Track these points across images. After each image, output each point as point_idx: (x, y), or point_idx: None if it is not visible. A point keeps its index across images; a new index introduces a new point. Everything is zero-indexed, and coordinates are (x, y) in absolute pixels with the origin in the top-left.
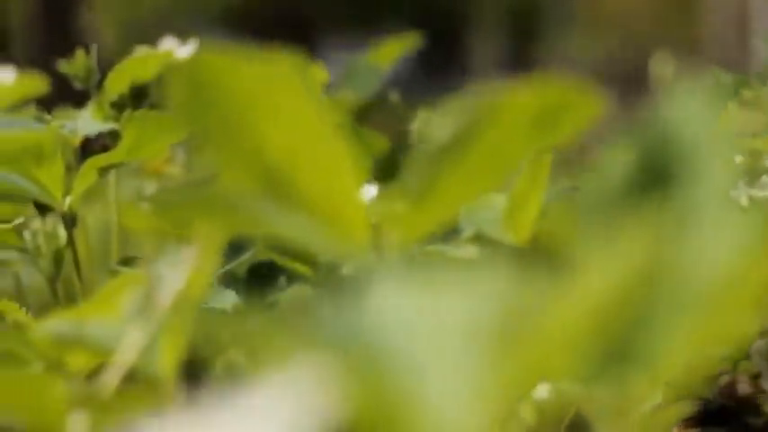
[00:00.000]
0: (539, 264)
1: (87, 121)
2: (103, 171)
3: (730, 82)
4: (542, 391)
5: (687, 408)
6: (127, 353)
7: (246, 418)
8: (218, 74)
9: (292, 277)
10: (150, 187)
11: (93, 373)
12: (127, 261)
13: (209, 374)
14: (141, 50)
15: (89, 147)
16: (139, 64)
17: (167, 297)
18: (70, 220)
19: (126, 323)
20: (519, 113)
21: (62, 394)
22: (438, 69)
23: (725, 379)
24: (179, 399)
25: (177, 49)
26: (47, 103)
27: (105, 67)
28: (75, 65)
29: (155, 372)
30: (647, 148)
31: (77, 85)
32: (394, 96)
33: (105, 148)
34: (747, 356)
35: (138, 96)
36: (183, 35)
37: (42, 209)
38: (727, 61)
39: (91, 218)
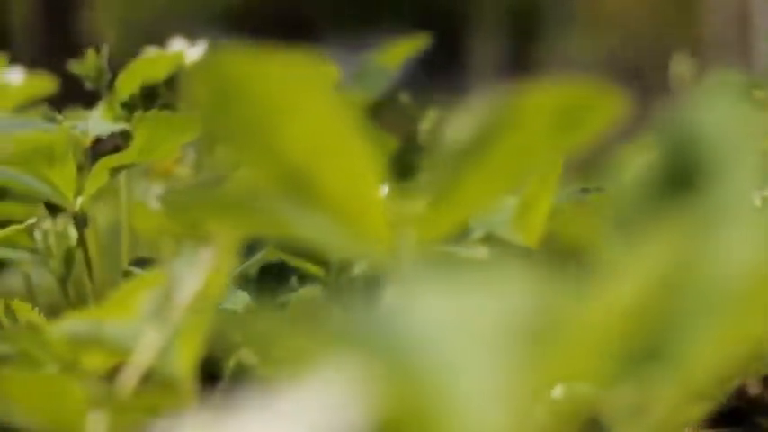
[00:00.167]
0: (559, 264)
1: (98, 122)
2: (115, 172)
3: (742, 82)
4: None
5: (705, 408)
6: (145, 353)
7: (279, 420)
8: (239, 74)
9: (303, 277)
10: (159, 188)
11: (108, 375)
12: (139, 262)
13: (220, 374)
14: (151, 51)
15: (98, 147)
16: (150, 65)
17: (185, 297)
18: (81, 221)
19: (143, 324)
20: (540, 114)
21: (81, 394)
22: (438, 69)
23: (736, 380)
24: (197, 399)
25: (187, 50)
26: (48, 103)
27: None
28: (86, 65)
29: (172, 372)
30: (673, 149)
31: (83, 85)
32: (404, 97)
33: (117, 149)
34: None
35: (149, 97)
36: (182, 35)
37: (53, 209)
38: (728, 62)
39: (100, 218)
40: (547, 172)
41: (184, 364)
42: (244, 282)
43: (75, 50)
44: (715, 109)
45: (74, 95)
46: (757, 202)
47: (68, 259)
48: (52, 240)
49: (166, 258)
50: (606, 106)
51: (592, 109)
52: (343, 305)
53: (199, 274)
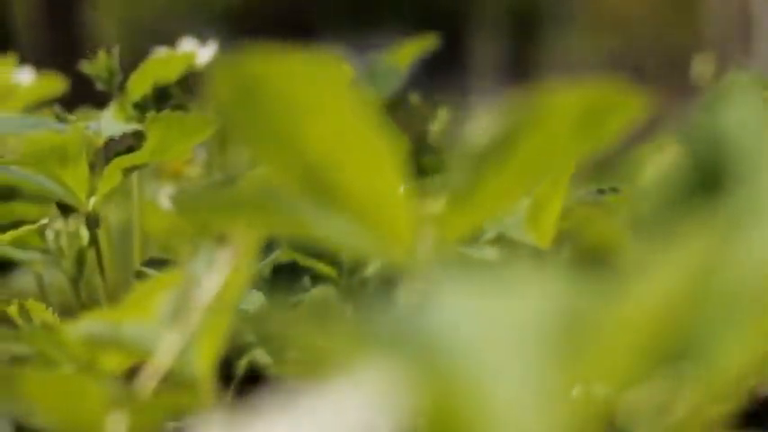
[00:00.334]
0: (576, 265)
1: (110, 122)
2: (127, 172)
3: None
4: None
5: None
6: (164, 354)
7: (317, 421)
8: (261, 73)
9: (316, 278)
10: (170, 188)
11: (125, 375)
12: (151, 262)
13: (232, 374)
14: (162, 52)
15: (110, 148)
16: (162, 65)
17: (204, 298)
18: (93, 221)
19: (162, 324)
20: (564, 116)
21: (100, 395)
22: (438, 69)
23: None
24: (216, 400)
25: (198, 51)
26: (50, 103)
27: None
28: (98, 66)
29: (192, 373)
30: (697, 150)
31: (89, 85)
32: (414, 97)
33: (130, 149)
34: None
35: (162, 97)
36: (182, 35)
37: (65, 209)
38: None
39: (112, 218)
40: (559, 173)
41: (204, 364)
42: (257, 282)
43: (78, 50)
44: (736, 109)
45: (80, 95)
46: None
47: (80, 259)
48: (64, 241)
49: (183, 259)
50: (629, 107)
51: (615, 110)
52: (355, 305)
53: (218, 275)
